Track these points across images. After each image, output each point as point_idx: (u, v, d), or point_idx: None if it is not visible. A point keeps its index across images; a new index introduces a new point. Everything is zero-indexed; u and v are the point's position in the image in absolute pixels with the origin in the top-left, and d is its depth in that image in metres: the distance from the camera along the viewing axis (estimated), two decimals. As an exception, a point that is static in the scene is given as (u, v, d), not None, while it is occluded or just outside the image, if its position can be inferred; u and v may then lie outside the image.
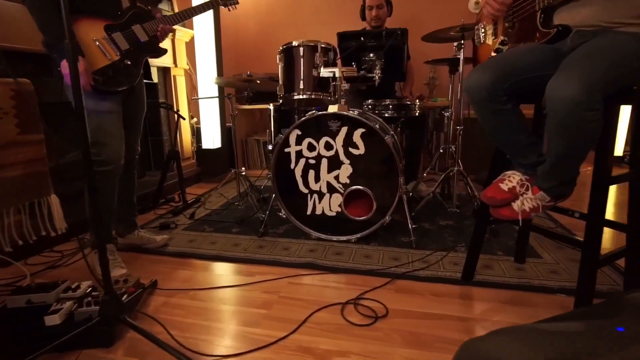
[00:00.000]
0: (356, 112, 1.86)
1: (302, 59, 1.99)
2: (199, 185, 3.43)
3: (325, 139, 1.88)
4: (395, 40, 1.97)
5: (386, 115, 2.29)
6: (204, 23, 3.23)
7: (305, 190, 1.96)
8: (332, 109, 1.87)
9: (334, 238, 1.95)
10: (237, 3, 1.95)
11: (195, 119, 3.63)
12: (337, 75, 1.89)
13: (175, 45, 3.17)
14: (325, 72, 1.91)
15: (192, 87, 3.69)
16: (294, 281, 1.58)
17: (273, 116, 2.50)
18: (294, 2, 3.89)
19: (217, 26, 3.24)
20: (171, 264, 1.78)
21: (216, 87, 3.38)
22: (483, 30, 1.55)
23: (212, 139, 3.45)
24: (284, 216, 2.01)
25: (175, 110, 2.71)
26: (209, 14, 3.20)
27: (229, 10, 1.96)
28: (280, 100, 2.16)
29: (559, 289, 1.49)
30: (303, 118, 1.88)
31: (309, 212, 1.98)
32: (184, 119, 2.73)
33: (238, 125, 3.79)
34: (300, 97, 2.00)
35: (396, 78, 2.19)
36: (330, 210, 1.95)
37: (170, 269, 1.73)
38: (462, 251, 1.83)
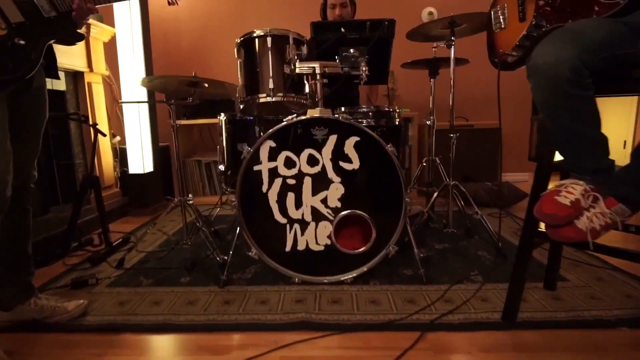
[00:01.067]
0: (344, 117, 1.47)
1: (270, 53, 1.57)
2: (125, 219, 2.73)
3: (308, 151, 1.45)
4: (381, 32, 1.66)
5: (364, 124, 1.94)
6: (128, 18, 2.64)
7: (283, 220, 1.50)
8: (313, 112, 1.47)
9: (325, 279, 1.51)
10: None
11: (118, 138, 2.95)
12: (317, 71, 1.50)
13: (91, 45, 2.52)
14: (302, 68, 1.50)
15: (112, 99, 3.01)
16: (290, 354, 1.10)
17: (226, 129, 2.01)
18: (237, 3, 3.46)
19: (145, 23, 2.67)
20: (93, 345, 1.17)
21: (144, 97, 2.77)
22: (503, 12, 1.28)
23: (141, 162, 2.79)
24: (255, 256, 1.52)
25: (91, 123, 2.06)
26: (136, 7, 2.62)
27: (169, 3, 1.47)
28: (242, 106, 1.69)
29: (616, 320, 1.22)
30: (279, 125, 1.43)
31: (288, 248, 1.51)
32: (103, 135, 2.10)
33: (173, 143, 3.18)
34: (270, 99, 1.56)
35: (380, 79, 1.87)
36: (316, 243, 1.51)
37: (91, 355, 1.12)
38: (478, 280, 1.51)
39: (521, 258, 1.21)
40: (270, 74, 1.56)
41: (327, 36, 1.68)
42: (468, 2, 3.40)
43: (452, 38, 1.77)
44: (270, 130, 1.43)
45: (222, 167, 2.13)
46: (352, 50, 1.66)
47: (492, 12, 1.31)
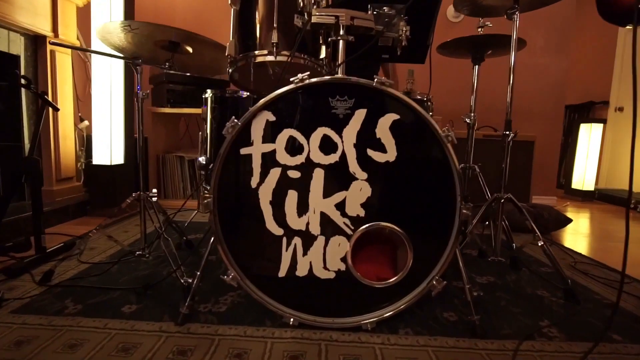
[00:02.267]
0: (379, 81, 1.01)
1: (275, -4, 1.12)
2: (81, 220, 2.22)
3: (322, 131, 0.99)
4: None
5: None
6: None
7: (279, 230, 1.02)
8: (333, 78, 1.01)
9: (335, 323, 1.02)
10: None
11: (86, 123, 2.47)
12: (342, 21, 1.05)
13: (59, 5, 2.07)
14: (319, 17, 1.05)
15: (86, 78, 2.55)
16: None
17: (211, 109, 1.55)
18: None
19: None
20: None
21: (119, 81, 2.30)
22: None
23: (109, 151, 2.30)
24: (232, 281, 1.03)
25: (39, 93, 1.58)
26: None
27: None
28: (230, 70, 1.24)
29: None
30: (282, 89, 0.97)
31: (283, 273, 1.03)
32: (55, 109, 1.61)
33: (154, 136, 2.71)
34: (272, 58, 1.11)
35: (417, 56, 1.43)
36: (325, 268, 1.03)
37: None
38: (554, 336, 1.03)
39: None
40: (275, 24, 1.11)
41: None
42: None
43: (516, 6, 1.34)
44: (269, 96, 0.97)
45: (202, 160, 1.65)
46: (386, 8, 1.22)
47: None
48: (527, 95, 3.04)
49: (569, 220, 2.23)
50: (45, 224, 1.77)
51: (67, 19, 2.17)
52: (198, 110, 2.62)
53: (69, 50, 2.23)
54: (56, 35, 2.10)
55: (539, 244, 1.33)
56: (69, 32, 2.20)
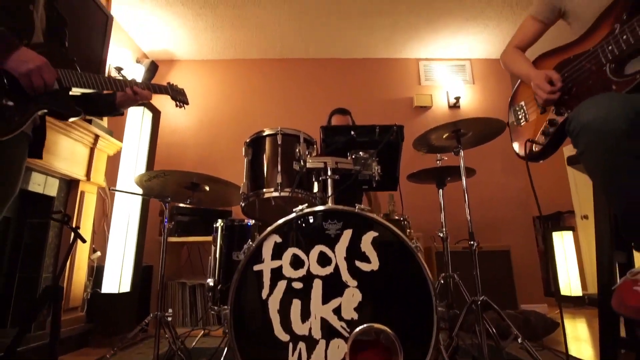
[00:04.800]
0: (360, 207, 1.33)
1: (279, 149, 1.52)
2: (83, 351, 2.23)
3: (319, 248, 1.25)
4: (391, 136, 1.67)
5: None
6: (137, 131, 2.72)
7: (285, 337, 1.18)
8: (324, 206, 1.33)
9: None
10: (187, 103, 1.59)
11: (98, 254, 2.68)
12: (329, 165, 1.42)
13: (95, 156, 2.52)
14: (313, 163, 1.43)
15: (102, 213, 2.87)
16: None
17: (221, 235, 1.84)
18: (241, 132, 3.68)
19: (153, 138, 2.75)
20: None
21: (136, 212, 2.63)
22: (522, 109, 1.30)
23: (118, 280, 2.47)
24: (244, 389, 1.14)
25: (71, 225, 1.85)
26: (147, 120, 2.74)
27: (177, 105, 1.57)
28: (243, 204, 1.56)
29: None
30: (287, 217, 1.27)
31: (289, 378, 1.15)
32: (83, 240, 1.86)
33: (158, 264, 2.90)
34: (276, 194, 1.44)
35: (390, 185, 1.81)
36: (327, 370, 1.16)
37: None
38: None
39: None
40: (279, 169, 1.48)
41: (337, 139, 1.68)
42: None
43: (459, 145, 1.78)
44: (277, 223, 1.26)
45: (210, 282, 1.86)
46: (361, 153, 1.64)
47: (511, 110, 1.34)
48: (497, 208, 3.43)
49: (556, 324, 2.34)
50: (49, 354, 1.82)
51: (99, 165, 2.60)
52: (201, 238, 2.89)
53: (95, 190, 2.60)
54: (88, 179, 2.49)
55: (523, 344, 1.47)
56: (99, 176, 2.60)
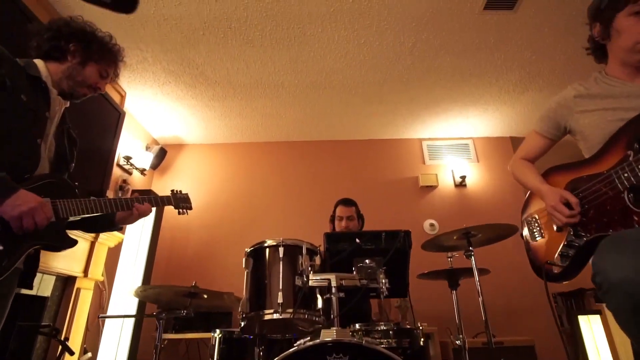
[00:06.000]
0: (367, 341, 1.21)
1: (281, 263, 1.45)
2: None
3: (323, 388, 1.12)
4: (399, 243, 1.60)
5: (383, 345, 1.63)
6: (139, 227, 2.69)
7: None
8: (328, 334, 1.21)
9: None
10: (190, 209, 1.58)
11: (89, 355, 2.50)
12: (333, 284, 1.34)
13: (95, 249, 2.46)
14: (315, 280, 1.35)
15: (98, 306, 2.74)
16: None
17: (219, 349, 1.70)
18: (246, 214, 3.65)
19: (155, 233, 2.71)
20: None
21: (133, 306, 2.51)
22: (537, 222, 1.23)
23: (107, 387, 2.26)
24: None
25: (61, 338, 1.73)
26: (150, 216, 2.72)
27: (179, 213, 1.56)
28: (242, 323, 1.45)
29: None
30: (288, 352, 1.15)
31: None
32: (71, 353, 1.74)
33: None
34: (277, 316, 1.34)
35: (399, 292, 1.69)
36: None
37: None
38: None
39: None
40: (280, 287, 1.39)
41: (341, 247, 1.61)
42: (465, 210, 3.60)
43: (470, 248, 1.70)
44: (281, 356, 1.14)
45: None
46: (367, 261, 1.56)
47: (524, 222, 1.27)
48: (513, 296, 3.22)
49: None
50: None
51: (98, 259, 2.53)
52: (200, 335, 2.71)
53: (92, 286, 2.50)
54: (86, 274, 2.41)
55: None
56: (97, 270, 2.52)
